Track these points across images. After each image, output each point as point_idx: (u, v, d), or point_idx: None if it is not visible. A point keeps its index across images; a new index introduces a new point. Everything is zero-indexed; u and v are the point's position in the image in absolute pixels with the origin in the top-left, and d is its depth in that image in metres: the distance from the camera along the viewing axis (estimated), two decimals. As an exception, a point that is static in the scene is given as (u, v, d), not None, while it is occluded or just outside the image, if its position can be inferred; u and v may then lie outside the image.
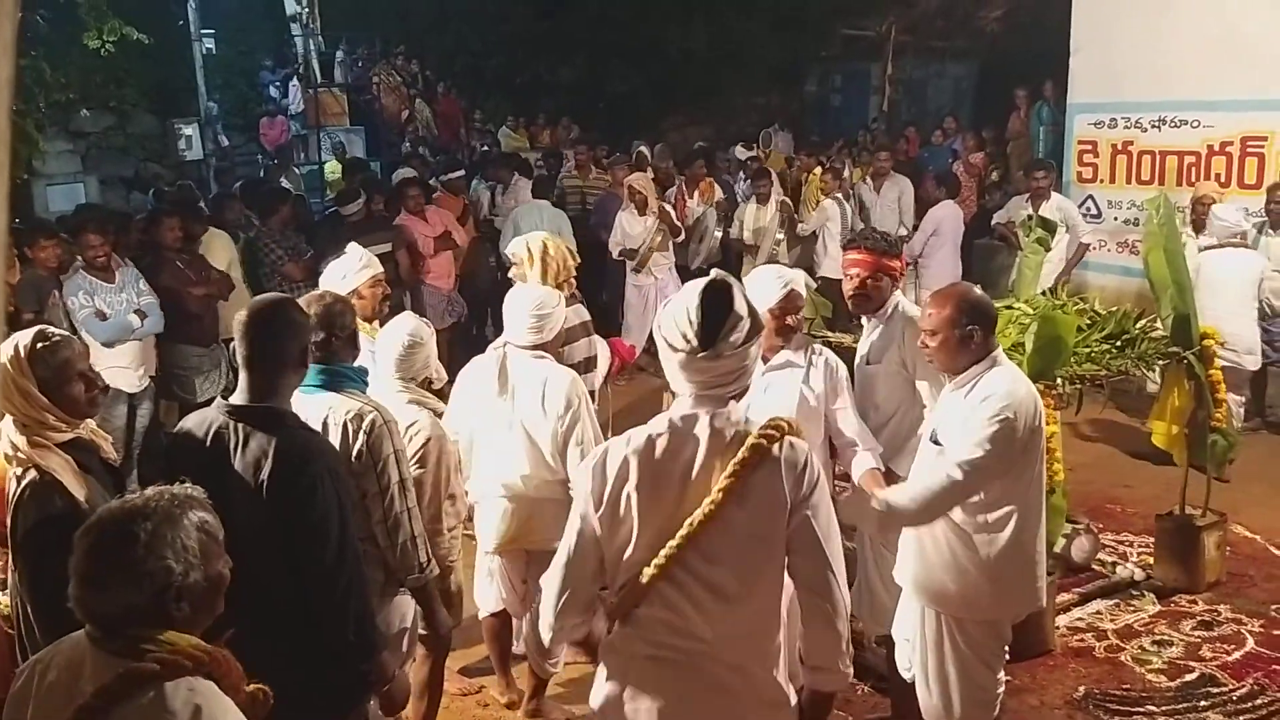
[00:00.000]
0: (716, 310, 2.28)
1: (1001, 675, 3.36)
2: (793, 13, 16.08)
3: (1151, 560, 5.19)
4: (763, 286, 3.64)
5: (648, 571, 2.28)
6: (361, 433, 2.98)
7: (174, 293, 6.33)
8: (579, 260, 4.96)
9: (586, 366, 4.77)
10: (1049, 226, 5.66)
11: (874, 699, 4.12)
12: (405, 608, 3.32)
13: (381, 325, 3.94)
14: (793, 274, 3.84)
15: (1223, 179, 7.75)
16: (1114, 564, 5.23)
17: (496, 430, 3.84)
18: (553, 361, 3.90)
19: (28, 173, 9.77)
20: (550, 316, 3.86)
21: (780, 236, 8.98)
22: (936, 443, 3.26)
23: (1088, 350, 4.60)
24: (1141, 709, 4.07)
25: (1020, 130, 12.37)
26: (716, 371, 2.30)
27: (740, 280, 2.49)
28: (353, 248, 4.29)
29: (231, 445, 2.61)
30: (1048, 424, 4.19)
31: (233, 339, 2.77)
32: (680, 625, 2.30)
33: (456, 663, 4.22)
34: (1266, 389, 7.35)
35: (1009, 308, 4.67)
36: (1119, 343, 4.73)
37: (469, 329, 8.97)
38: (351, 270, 4.12)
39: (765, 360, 3.62)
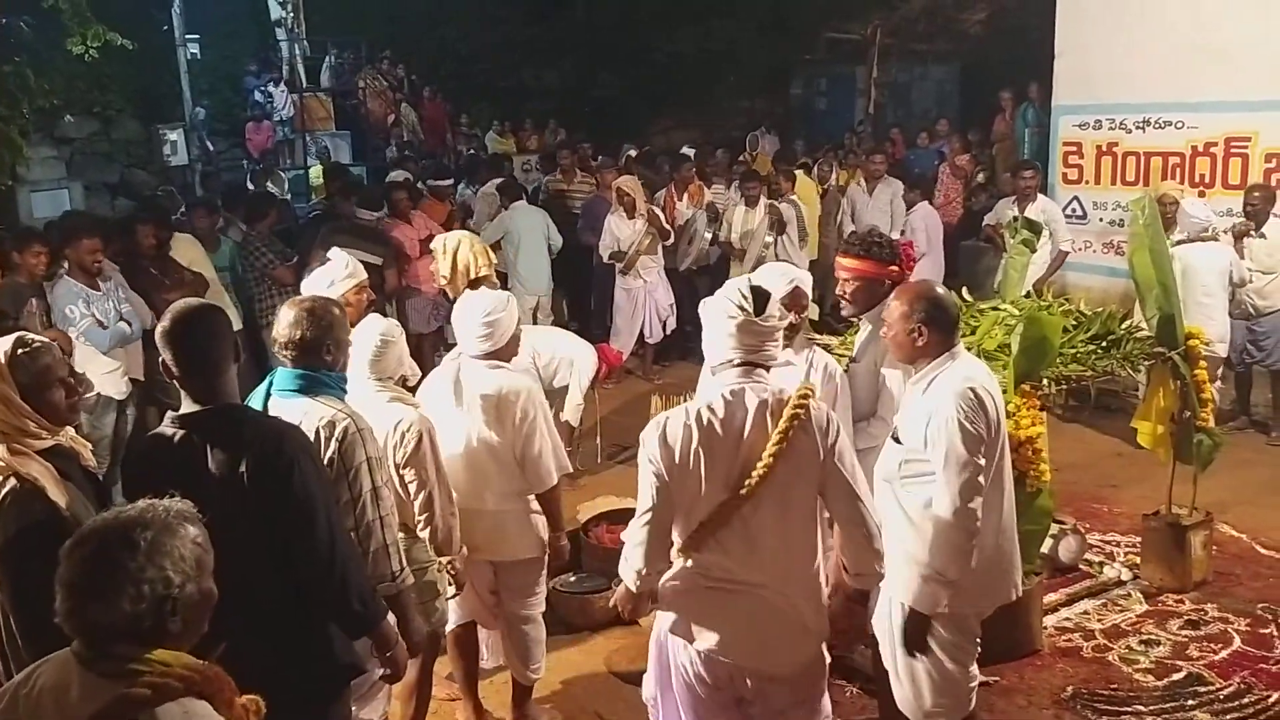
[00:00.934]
0: (762, 290, 2.92)
1: (974, 670, 3.35)
2: (778, 17, 16.14)
3: (1138, 560, 5.21)
4: (768, 283, 3.65)
5: (711, 520, 2.77)
6: (334, 440, 2.95)
7: (149, 297, 6.31)
8: (492, 260, 5.33)
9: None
10: (1034, 228, 5.67)
11: (862, 700, 4.12)
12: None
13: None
14: (798, 272, 3.92)
15: (1207, 180, 7.80)
16: (1101, 564, 5.25)
17: (456, 443, 3.77)
18: (508, 370, 3.85)
19: (12, 179, 9.73)
20: (500, 322, 3.77)
21: (769, 239, 8.96)
22: (898, 441, 3.29)
23: (1073, 351, 4.62)
24: (1129, 708, 4.08)
25: (1005, 132, 12.41)
26: (764, 333, 2.85)
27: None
28: (337, 254, 4.27)
29: (200, 450, 2.59)
30: (1035, 425, 4.22)
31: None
32: (734, 564, 2.80)
33: (445, 668, 4.19)
34: (1251, 388, 7.41)
35: (995, 309, 4.68)
36: (1104, 343, 4.75)
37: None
38: (338, 278, 4.09)
39: None
